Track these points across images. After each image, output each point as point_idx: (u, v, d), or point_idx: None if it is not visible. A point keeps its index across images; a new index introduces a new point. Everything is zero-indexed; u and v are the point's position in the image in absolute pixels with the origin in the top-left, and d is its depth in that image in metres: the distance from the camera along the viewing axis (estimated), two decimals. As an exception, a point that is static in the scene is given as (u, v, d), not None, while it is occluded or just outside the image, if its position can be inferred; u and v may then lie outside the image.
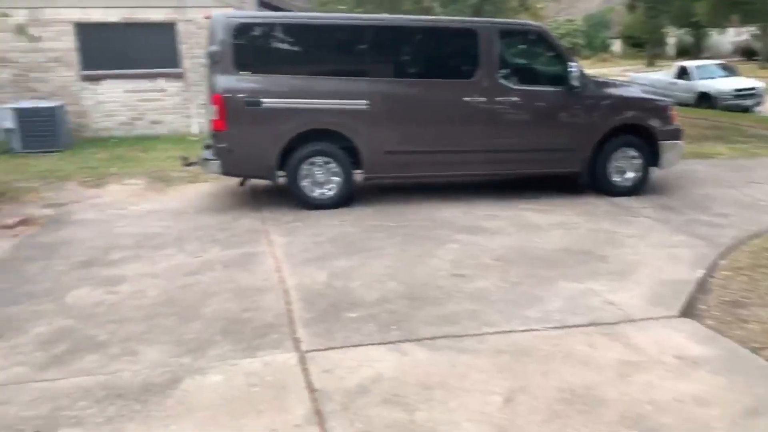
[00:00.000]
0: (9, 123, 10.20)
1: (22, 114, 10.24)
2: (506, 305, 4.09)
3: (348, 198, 6.76)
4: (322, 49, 6.97)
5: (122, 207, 6.85)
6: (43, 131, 10.36)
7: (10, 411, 2.88)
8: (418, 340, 3.58)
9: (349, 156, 6.67)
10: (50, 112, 10.48)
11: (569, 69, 6.93)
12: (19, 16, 10.23)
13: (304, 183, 6.62)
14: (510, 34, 7.31)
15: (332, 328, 3.74)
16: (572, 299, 4.20)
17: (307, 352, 3.43)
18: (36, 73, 11.52)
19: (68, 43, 11.56)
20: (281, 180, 6.72)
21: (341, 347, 3.49)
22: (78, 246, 5.45)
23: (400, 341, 3.56)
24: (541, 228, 5.92)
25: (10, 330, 3.76)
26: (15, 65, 11.42)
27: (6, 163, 9.35)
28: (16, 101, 10.77)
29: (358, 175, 6.82)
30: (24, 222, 6.20)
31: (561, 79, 7.01)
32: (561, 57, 7.15)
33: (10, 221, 6.16)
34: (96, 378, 3.18)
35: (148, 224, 6.13)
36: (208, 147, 6.93)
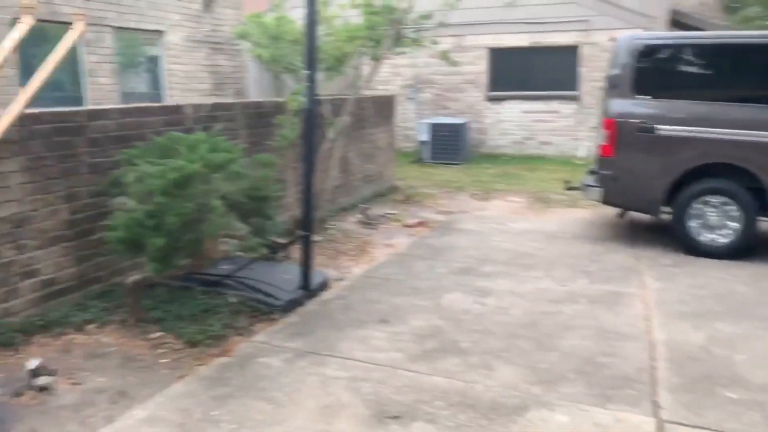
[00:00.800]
0: (425, 136, 11.94)
1: (434, 129, 11.88)
2: None
3: (745, 249, 5.79)
4: (737, 72, 6.12)
5: (502, 222, 7.29)
6: (449, 145, 11.81)
7: (383, 390, 3.36)
8: (820, 451, 2.84)
9: (756, 199, 5.71)
10: (457, 128, 11.87)
11: None
12: (445, 44, 11.86)
13: (692, 224, 5.94)
14: None
15: (703, 403, 3.25)
16: None
17: (668, 422, 3.07)
18: (451, 93, 13.19)
19: (481, 66, 12.86)
20: (664, 217, 6.17)
21: (711, 430, 3.01)
22: (459, 253, 6.02)
23: (791, 445, 2.89)
24: None
25: (395, 318, 4.39)
26: (437, 86, 13.29)
27: (417, 171, 10.97)
28: (431, 118, 12.54)
29: (765, 223, 5.78)
30: (421, 224, 7.18)
31: None
32: None
33: (411, 222, 7.21)
34: (453, 382, 3.46)
35: (522, 243, 6.38)
36: (591, 173, 6.84)
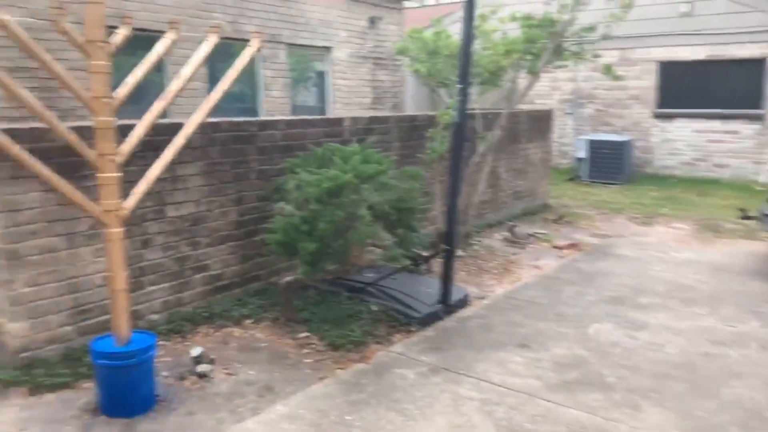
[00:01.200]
0: (583, 153, 11.42)
1: (593, 145, 11.32)
2: None
3: None
4: None
5: (663, 250, 6.74)
6: (609, 163, 11.19)
7: (516, 417, 3.26)
8: None
9: None
10: (619, 146, 11.21)
11: None
12: (610, 57, 11.27)
13: None
14: None
15: None
16: None
17: None
18: (614, 109, 12.49)
19: (649, 81, 12.04)
20: None
21: None
22: (611, 280, 5.67)
23: None
24: None
25: (536, 343, 4.24)
26: (598, 101, 12.67)
27: (572, 189, 10.52)
28: (590, 134, 11.97)
29: None
30: (572, 246, 6.86)
31: None
32: None
33: (561, 243, 6.92)
34: (594, 418, 3.26)
35: (684, 274, 5.85)
36: (773, 202, 6.11)
